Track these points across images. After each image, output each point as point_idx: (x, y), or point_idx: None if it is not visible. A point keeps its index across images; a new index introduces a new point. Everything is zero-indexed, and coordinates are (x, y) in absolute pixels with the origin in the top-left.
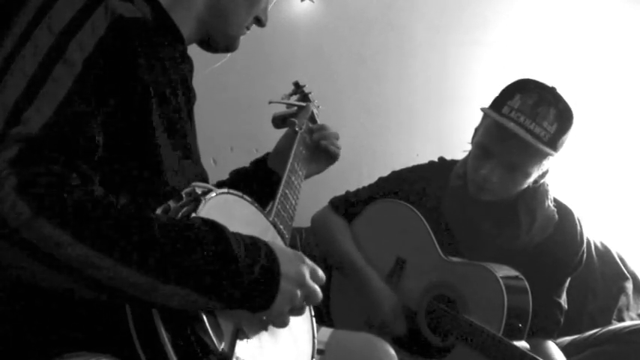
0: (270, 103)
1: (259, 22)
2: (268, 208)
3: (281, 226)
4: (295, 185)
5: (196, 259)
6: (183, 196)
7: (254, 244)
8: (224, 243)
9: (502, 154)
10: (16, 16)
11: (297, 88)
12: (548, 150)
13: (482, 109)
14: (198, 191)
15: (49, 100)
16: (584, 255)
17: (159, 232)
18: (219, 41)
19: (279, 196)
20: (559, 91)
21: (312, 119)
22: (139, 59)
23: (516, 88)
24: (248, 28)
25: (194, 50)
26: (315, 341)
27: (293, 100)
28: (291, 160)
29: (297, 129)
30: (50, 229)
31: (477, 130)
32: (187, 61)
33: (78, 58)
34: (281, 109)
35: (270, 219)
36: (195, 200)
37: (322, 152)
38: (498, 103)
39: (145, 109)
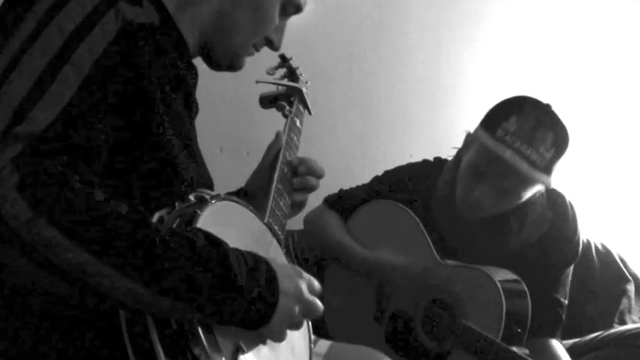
0: (257, 82)
1: (271, 43)
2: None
3: (275, 227)
4: (288, 177)
5: (197, 276)
6: (191, 198)
7: (254, 261)
8: (225, 261)
9: (495, 178)
10: (24, 16)
11: (284, 61)
12: (543, 177)
13: (476, 132)
14: (206, 196)
15: (55, 101)
16: (580, 245)
17: (160, 243)
18: (219, 57)
19: (272, 193)
20: (554, 107)
21: (303, 100)
22: (147, 65)
23: (511, 109)
24: (257, 49)
25: None
26: (311, 333)
27: (279, 74)
28: (282, 151)
29: (287, 113)
30: (50, 231)
31: (468, 140)
32: (192, 70)
33: (86, 61)
34: (270, 88)
35: (265, 221)
36: (200, 202)
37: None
38: (492, 124)
39: (154, 113)
